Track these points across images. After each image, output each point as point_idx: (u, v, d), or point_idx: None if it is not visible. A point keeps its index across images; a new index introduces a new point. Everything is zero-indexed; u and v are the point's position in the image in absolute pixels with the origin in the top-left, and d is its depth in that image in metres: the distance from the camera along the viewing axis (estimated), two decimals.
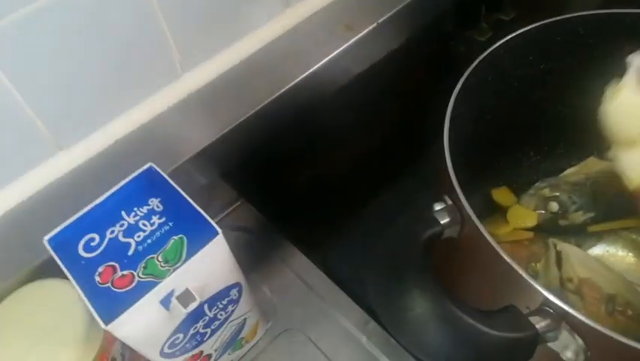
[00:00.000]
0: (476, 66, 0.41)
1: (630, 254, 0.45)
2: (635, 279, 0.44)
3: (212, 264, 0.34)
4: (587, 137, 0.50)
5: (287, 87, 0.54)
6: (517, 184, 0.52)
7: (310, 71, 0.56)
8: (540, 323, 0.28)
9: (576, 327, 0.28)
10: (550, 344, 0.29)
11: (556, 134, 0.50)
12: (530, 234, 0.46)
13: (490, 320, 0.27)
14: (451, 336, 0.26)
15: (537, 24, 0.43)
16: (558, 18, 0.44)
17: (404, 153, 0.65)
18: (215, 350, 0.41)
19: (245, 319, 0.42)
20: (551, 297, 0.27)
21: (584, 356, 0.28)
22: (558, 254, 0.44)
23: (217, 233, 0.33)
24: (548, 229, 0.47)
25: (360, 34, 0.59)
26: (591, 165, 0.50)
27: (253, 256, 0.52)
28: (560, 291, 0.43)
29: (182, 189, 0.35)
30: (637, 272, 0.44)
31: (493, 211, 0.51)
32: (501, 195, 0.51)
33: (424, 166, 0.56)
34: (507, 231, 0.47)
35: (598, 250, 0.45)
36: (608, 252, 0.45)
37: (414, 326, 0.27)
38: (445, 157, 0.33)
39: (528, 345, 0.27)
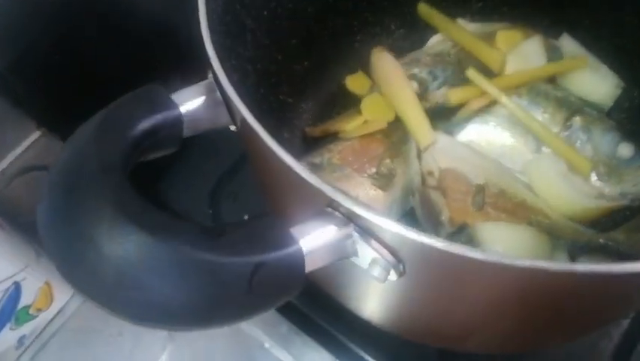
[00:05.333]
0: None
1: (507, 133, 0.36)
2: (513, 164, 0.36)
3: None
4: None
5: None
6: None
7: None
8: (316, 233, 0.18)
9: (374, 233, 0.18)
10: (353, 259, 0.20)
11: None
12: (383, 124, 0.36)
13: (224, 241, 0.17)
14: (171, 276, 0.17)
15: None
16: None
17: None
18: None
19: (16, 282, 0.32)
20: (333, 193, 0.18)
21: (397, 272, 0.19)
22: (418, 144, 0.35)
23: None
24: None
25: None
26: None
27: None
28: (422, 192, 0.34)
29: None
30: (515, 156, 0.36)
31: (353, 105, 0.41)
32: (355, 82, 0.40)
33: None
34: (358, 124, 0.37)
35: (468, 134, 0.36)
36: (480, 135, 0.36)
37: (100, 264, 0.17)
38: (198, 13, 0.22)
39: (287, 268, 0.18)
